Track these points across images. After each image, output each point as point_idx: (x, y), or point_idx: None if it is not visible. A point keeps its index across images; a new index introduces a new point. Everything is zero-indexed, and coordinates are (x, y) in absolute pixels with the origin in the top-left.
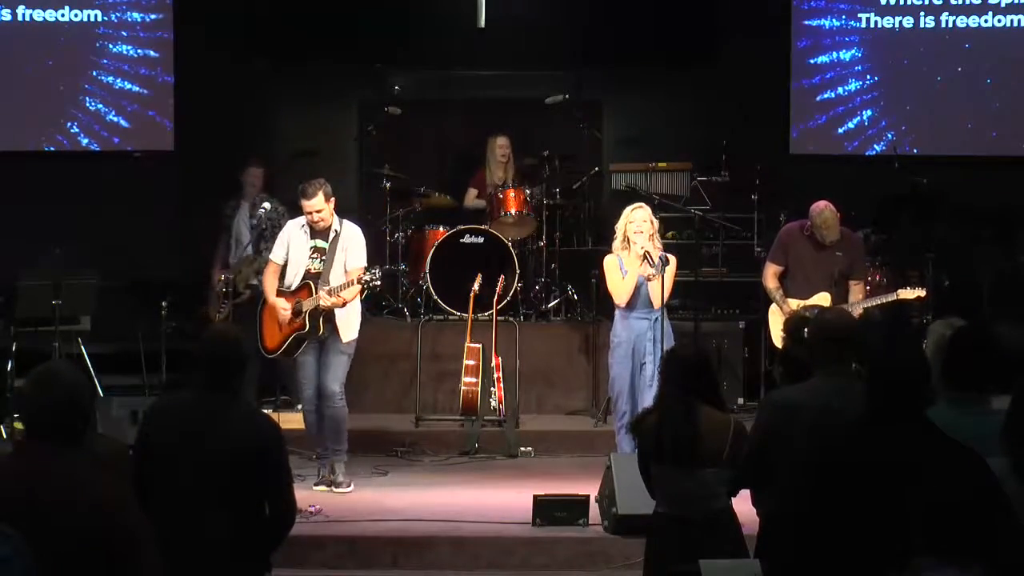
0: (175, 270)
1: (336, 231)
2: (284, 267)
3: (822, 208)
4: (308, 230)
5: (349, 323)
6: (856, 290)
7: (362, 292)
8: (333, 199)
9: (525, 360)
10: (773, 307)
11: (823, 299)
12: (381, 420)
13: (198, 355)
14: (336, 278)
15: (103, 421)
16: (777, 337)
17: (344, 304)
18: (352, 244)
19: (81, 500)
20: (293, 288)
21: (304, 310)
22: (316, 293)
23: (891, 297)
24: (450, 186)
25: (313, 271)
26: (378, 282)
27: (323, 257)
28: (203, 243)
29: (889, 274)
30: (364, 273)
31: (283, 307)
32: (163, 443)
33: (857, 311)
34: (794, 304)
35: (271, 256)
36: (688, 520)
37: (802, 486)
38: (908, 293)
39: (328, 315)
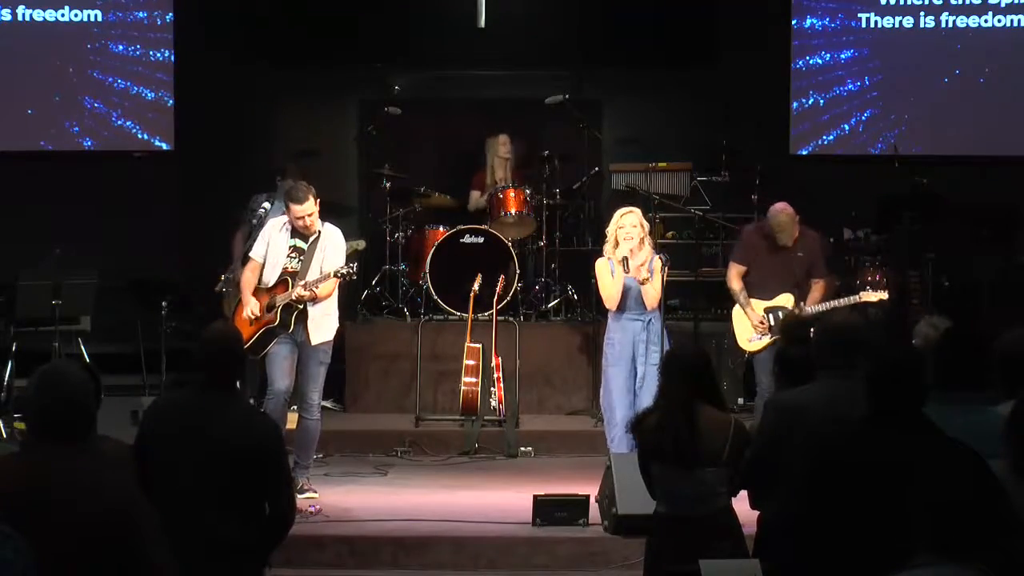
0: (175, 270)
1: (317, 230)
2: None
3: (779, 211)
4: (289, 230)
5: (320, 324)
6: (816, 289)
7: (347, 278)
8: (318, 200)
9: (525, 360)
10: (736, 309)
11: (786, 300)
12: (381, 420)
13: (198, 354)
14: (313, 277)
15: (102, 421)
16: (742, 339)
17: (315, 298)
18: (331, 245)
19: (89, 499)
20: (270, 285)
21: (277, 304)
22: (292, 288)
23: (853, 299)
24: (450, 186)
25: (291, 269)
26: (355, 275)
27: (301, 256)
28: (203, 243)
29: (889, 274)
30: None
31: (252, 310)
32: (163, 442)
33: (811, 311)
34: (757, 306)
35: (251, 253)
36: (688, 520)
37: (802, 486)
38: (871, 296)
39: (300, 315)
